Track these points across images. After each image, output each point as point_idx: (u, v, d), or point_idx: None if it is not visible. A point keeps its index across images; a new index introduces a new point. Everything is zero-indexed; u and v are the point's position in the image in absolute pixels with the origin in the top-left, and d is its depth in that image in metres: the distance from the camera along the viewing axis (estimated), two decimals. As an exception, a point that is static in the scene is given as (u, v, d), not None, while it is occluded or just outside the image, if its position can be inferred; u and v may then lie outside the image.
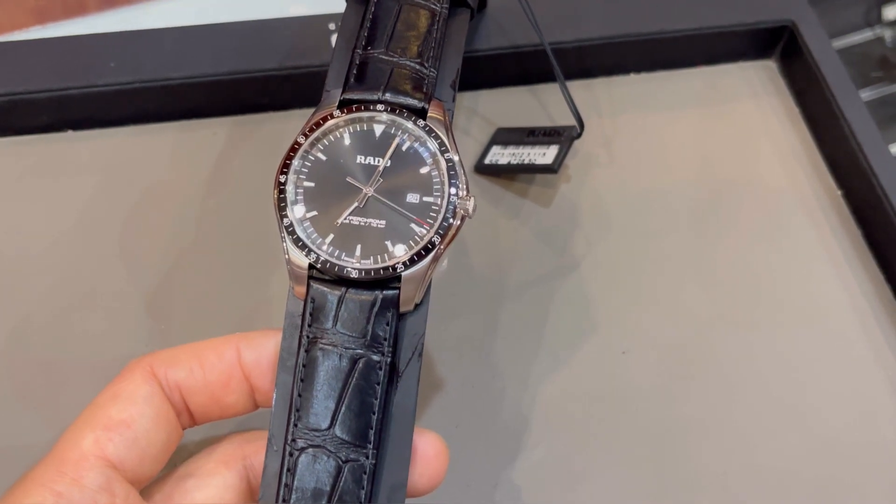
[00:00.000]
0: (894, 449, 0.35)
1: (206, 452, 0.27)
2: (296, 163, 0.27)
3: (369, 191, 0.26)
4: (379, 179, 0.27)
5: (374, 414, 0.25)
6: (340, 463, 0.25)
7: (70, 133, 0.40)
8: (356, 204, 0.26)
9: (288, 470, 0.25)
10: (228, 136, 0.41)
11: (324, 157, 0.27)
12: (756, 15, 0.44)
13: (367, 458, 0.25)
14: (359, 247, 0.26)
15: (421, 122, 0.27)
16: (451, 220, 0.26)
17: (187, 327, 0.35)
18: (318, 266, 0.26)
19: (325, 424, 0.25)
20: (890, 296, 0.39)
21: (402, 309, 0.26)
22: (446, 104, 0.28)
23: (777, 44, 0.45)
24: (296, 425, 0.25)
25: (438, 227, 0.26)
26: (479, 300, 0.37)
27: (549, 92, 0.43)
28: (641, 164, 0.42)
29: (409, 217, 0.26)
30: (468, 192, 0.27)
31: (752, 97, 0.45)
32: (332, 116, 0.27)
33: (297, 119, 0.41)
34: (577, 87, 0.43)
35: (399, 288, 0.26)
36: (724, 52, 0.45)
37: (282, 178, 0.27)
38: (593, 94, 0.44)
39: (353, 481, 0.25)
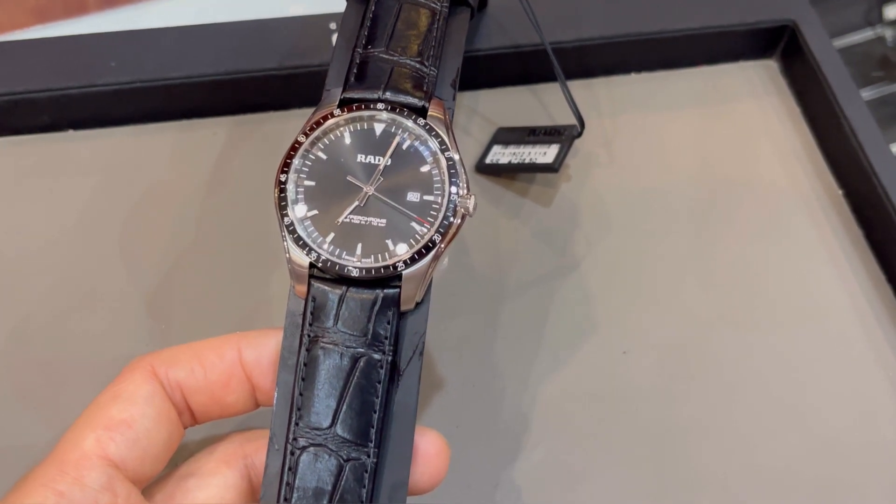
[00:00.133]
0: (895, 449, 0.35)
1: (208, 452, 0.27)
2: (296, 162, 0.27)
3: (370, 189, 0.26)
4: (379, 178, 0.27)
5: (375, 413, 0.25)
6: (342, 462, 0.25)
7: (70, 132, 0.40)
8: (357, 203, 0.26)
9: (289, 469, 0.25)
10: (228, 136, 0.41)
11: (324, 156, 0.27)
12: (757, 14, 0.44)
13: (369, 456, 0.25)
14: (359, 245, 0.26)
15: (421, 121, 0.27)
16: (451, 219, 0.26)
17: (187, 327, 0.35)
18: (319, 265, 0.26)
19: (326, 423, 0.25)
20: (891, 296, 0.39)
21: (403, 308, 0.26)
22: (447, 103, 0.28)
23: (778, 43, 0.45)
24: (297, 424, 0.25)
25: (439, 226, 0.26)
26: (479, 300, 0.37)
27: (550, 91, 0.43)
28: (642, 164, 0.42)
29: (410, 216, 0.26)
30: (469, 190, 0.27)
31: (752, 97, 0.45)
32: (332, 115, 0.27)
33: (296, 119, 0.41)
34: (578, 87, 0.43)
35: (400, 286, 0.26)
36: (725, 52, 0.45)
37: (282, 177, 0.27)
38: (594, 93, 0.44)
39: (355, 480, 0.25)
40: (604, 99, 0.44)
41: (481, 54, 0.41)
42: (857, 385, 0.37)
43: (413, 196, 0.26)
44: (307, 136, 0.27)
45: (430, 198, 0.26)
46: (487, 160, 0.41)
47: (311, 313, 0.26)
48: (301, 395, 0.25)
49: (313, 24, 0.41)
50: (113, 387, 0.26)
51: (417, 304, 0.26)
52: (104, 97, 0.39)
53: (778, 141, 0.43)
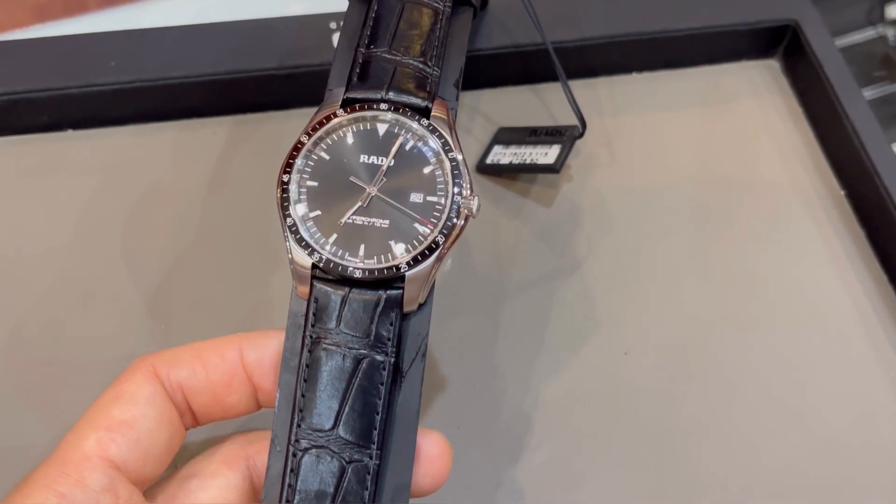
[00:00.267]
0: (895, 449, 0.35)
1: (209, 453, 0.27)
2: (299, 162, 0.27)
3: (373, 190, 0.26)
4: (382, 179, 0.26)
5: (377, 414, 0.25)
6: (344, 463, 0.25)
7: (70, 132, 0.40)
8: (359, 203, 0.26)
9: (291, 470, 0.24)
10: (229, 136, 0.40)
11: (327, 157, 0.27)
12: (758, 14, 0.44)
13: (371, 458, 0.25)
14: (362, 246, 0.26)
15: (424, 121, 0.27)
16: (454, 220, 0.26)
17: (188, 327, 0.35)
18: (322, 266, 0.25)
19: (328, 425, 0.25)
20: (892, 296, 0.39)
21: (406, 309, 0.26)
22: (449, 103, 0.28)
23: (780, 43, 0.45)
24: (299, 426, 0.25)
25: (442, 227, 0.26)
26: (480, 300, 0.37)
27: (551, 91, 0.43)
28: (643, 164, 0.42)
29: (413, 216, 0.26)
30: (472, 191, 0.27)
31: (754, 96, 0.45)
32: (335, 115, 0.27)
33: (297, 118, 0.41)
34: (579, 87, 0.43)
35: (403, 288, 0.26)
36: (727, 52, 0.45)
37: (285, 178, 0.26)
38: (595, 93, 0.44)
39: (357, 482, 0.24)
40: (605, 99, 0.44)
41: (483, 54, 0.41)
42: (858, 385, 0.37)
43: (416, 197, 0.26)
44: (310, 136, 0.27)
45: (434, 199, 0.26)
46: (488, 160, 0.40)
47: (314, 314, 0.25)
48: (303, 396, 0.25)
49: (314, 24, 0.41)
50: (114, 387, 0.25)
51: (420, 306, 0.26)
52: (104, 97, 0.39)
53: (780, 141, 0.43)
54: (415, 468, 0.26)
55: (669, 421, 0.35)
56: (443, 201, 0.26)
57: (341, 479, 0.24)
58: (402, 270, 0.25)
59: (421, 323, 0.26)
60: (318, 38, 0.40)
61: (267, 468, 0.25)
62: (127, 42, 0.39)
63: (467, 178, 0.27)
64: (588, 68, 0.44)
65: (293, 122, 0.41)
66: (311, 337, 0.25)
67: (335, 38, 0.40)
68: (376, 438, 0.25)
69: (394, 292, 0.26)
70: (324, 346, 0.25)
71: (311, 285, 0.26)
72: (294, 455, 0.25)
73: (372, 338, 0.25)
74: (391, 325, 0.25)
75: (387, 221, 0.26)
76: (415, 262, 0.25)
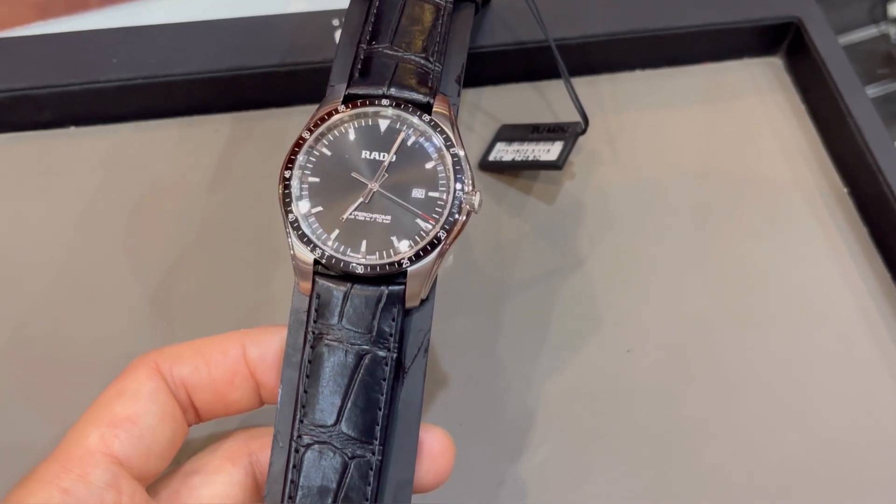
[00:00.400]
0: (898, 448, 0.35)
1: (212, 449, 0.27)
2: (301, 158, 0.27)
3: (374, 186, 0.26)
4: (384, 175, 0.26)
5: (380, 410, 0.25)
6: (346, 459, 0.24)
7: (72, 129, 0.40)
8: (361, 199, 0.26)
9: (294, 466, 0.24)
10: (230, 133, 0.40)
11: (329, 153, 0.27)
12: (762, 11, 0.44)
13: (374, 454, 0.25)
14: (364, 242, 0.26)
15: (426, 117, 0.27)
16: (456, 216, 0.26)
17: (190, 324, 0.35)
18: (324, 262, 0.25)
19: (330, 421, 0.25)
20: (895, 294, 0.39)
21: (408, 305, 0.26)
22: (451, 99, 0.28)
23: (783, 40, 0.45)
24: (301, 422, 0.25)
25: (444, 223, 0.26)
26: (481, 297, 0.37)
27: (554, 88, 0.43)
28: (646, 161, 0.42)
29: (415, 212, 0.26)
30: (474, 186, 0.26)
31: (757, 94, 0.44)
32: (336, 111, 0.27)
33: (299, 115, 0.41)
34: (582, 84, 0.43)
35: (405, 283, 0.26)
36: (730, 49, 0.45)
37: (287, 174, 0.26)
38: (598, 90, 0.44)
39: (360, 477, 0.24)
40: (608, 96, 0.43)
41: (485, 51, 0.41)
42: (860, 384, 0.37)
43: (418, 192, 0.26)
44: (311, 132, 0.27)
45: (436, 194, 0.26)
46: (491, 157, 0.40)
47: (316, 310, 0.25)
48: (305, 392, 0.25)
49: (315, 21, 0.41)
50: (117, 384, 0.25)
51: (422, 302, 0.26)
52: (106, 94, 0.39)
53: (782, 138, 0.43)
54: (417, 464, 0.26)
55: (671, 419, 0.35)
56: (445, 197, 0.26)
57: (344, 475, 0.24)
58: (404, 266, 0.25)
59: (423, 319, 0.26)
60: (319, 35, 0.40)
61: (269, 464, 0.25)
62: (129, 39, 0.39)
63: (469, 173, 0.26)
64: (590, 65, 0.44)
65: (295, 118, 0.41)
66: (313, 333, 0.25)
67: (337, 34, 0.40)
68: (379, 434, 0.25)
69: (396, 288, 0.26)
70: (326, 341, 0.25)
71: (314, 281, 0.26)
72: (297, 451, 0.25)
73: (374, 333, 0.25)
74: (393, 320, 0.25)
75: (389, 217, 0.26)
76: (417, 257, 0.25)
